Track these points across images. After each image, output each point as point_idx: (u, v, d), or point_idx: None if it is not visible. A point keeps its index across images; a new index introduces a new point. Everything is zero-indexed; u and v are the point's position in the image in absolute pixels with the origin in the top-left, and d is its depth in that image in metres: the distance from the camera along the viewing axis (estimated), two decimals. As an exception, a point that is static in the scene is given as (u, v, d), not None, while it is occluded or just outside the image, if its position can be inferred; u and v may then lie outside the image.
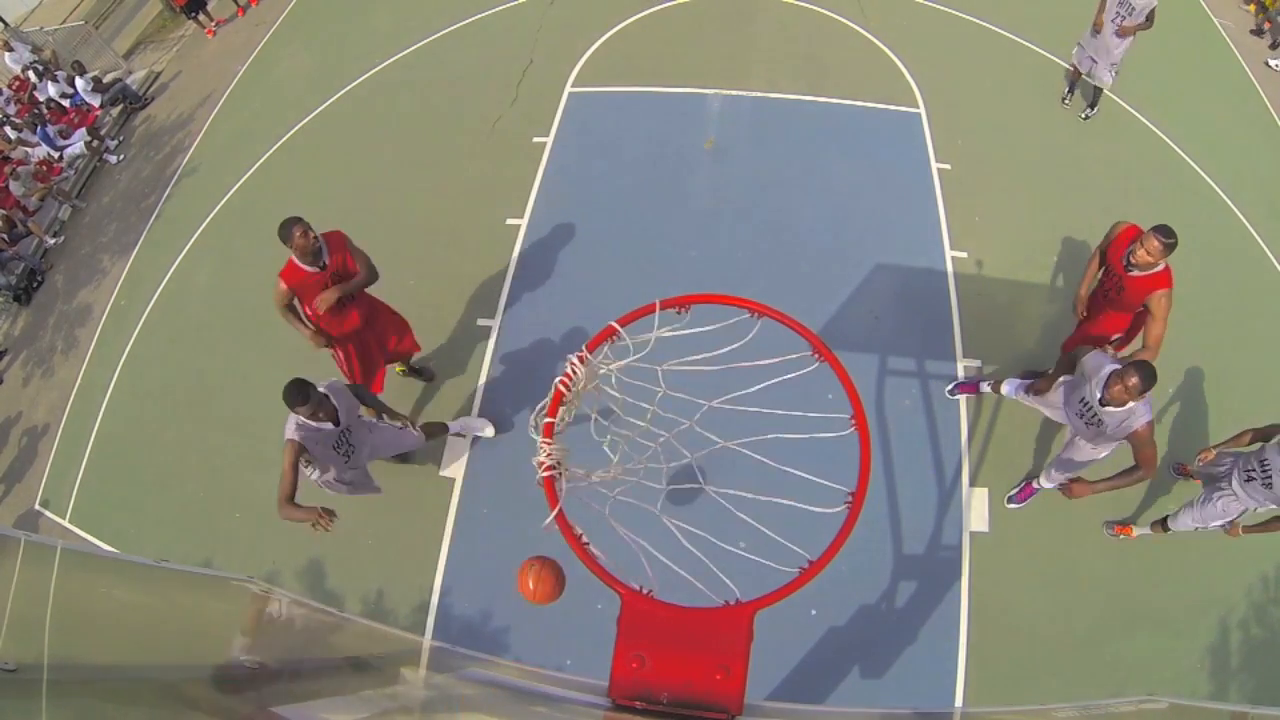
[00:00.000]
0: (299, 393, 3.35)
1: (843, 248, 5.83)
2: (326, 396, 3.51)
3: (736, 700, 1.01)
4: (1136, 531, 4.56)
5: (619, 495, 1.49)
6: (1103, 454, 3.89)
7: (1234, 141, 6.67)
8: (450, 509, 4.93)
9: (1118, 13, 5.61)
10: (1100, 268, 4.05)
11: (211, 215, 7.04)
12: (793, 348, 1.38)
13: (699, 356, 1.46)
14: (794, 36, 7.36)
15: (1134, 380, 3.23)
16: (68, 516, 5.51)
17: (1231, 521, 3.96)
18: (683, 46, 7.34)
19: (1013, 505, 4.68)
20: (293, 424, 3.48)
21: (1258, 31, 7.73)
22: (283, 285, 4.05)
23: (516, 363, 5.48)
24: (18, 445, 6.11)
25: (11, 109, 8.57)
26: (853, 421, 1.32)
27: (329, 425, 3.57)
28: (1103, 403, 3.46)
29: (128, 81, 9.10)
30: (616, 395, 1.46)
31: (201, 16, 9.49)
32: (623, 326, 1.41)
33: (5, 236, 7.18)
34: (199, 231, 6.94)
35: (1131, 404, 3.36)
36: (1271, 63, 7.23)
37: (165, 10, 10.38)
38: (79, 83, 8.64)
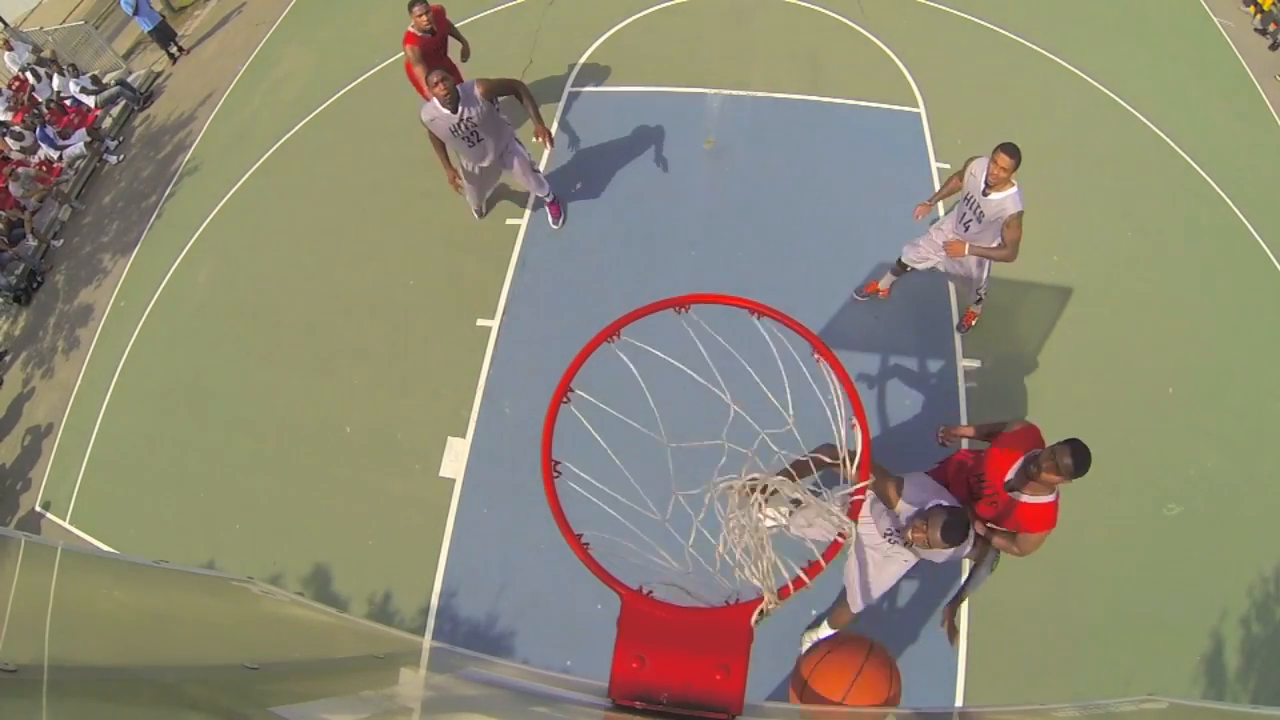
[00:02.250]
0: None
1: (843, 247, 5.82)
2: None
3: (737, 700, 1.01)
4: None
5: (619, 497, 1.50)
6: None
7: (1234, 141, 6.67)
8: (450, 509, 4.93)
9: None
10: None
11: (211, 215, 7.05)
12: (793, 348, 1.38)
13: (698, 357, 1.46)
14: (794, 36, 7.35)
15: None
16: (68, 518, 5.52)
17: None
18: (683, 46, 7.34)
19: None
20: None
21: (1261, 31, 7.70)
22: (406, 46, 5.66)
23: (516, 363, 5.48)
24: (18, 446, 6.11)
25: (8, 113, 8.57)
26: (853, 421, 1.32)
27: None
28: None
29: (128, 81, 9.10)
30: (619, 396, 1.46)
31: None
32: (622, 327, 1.41)
33: (5, 237, 7.18)
34: (199, 231, 6.95)
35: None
36: None
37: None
38: (73, 85, 8.64)
